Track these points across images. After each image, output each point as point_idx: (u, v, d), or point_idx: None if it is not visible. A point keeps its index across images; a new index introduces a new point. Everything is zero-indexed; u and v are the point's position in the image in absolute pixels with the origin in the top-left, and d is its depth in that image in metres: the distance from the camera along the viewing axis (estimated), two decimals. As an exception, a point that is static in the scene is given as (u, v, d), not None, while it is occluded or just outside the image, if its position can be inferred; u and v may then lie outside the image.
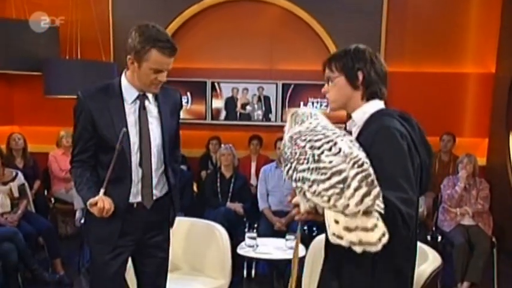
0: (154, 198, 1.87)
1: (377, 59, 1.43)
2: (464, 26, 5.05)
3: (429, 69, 5.08)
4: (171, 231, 2.02)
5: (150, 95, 1.85)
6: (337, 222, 1.06)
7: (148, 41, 1.69)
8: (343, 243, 1.05)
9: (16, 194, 3.62)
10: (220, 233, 2.72)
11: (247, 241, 2.91)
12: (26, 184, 3.79)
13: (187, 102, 5.32)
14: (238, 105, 5.30)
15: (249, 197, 4.10)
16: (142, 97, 1.82)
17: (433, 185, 4.42)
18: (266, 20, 5.21)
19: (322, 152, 1.11)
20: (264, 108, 5.27)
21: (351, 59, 1.41)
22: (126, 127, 1.77)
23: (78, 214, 4.49)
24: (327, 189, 1.06)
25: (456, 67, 5.10)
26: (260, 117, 5.30)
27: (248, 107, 5.29)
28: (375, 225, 1.06)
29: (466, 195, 3.69)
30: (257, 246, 2.92)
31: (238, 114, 5.31)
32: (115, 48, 5.08)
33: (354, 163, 1.09)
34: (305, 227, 3.79)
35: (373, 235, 1.05)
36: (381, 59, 1.44)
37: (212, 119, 5.33)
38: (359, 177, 1.06)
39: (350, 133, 1.42)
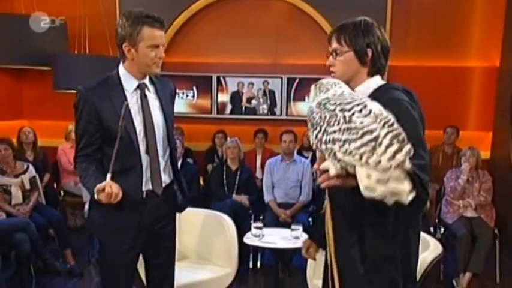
0: (163, 184, 1.91)
1: (382, 34, 1.45)
2: (469, 20, 5.06)
3: (434, 63, 5.11)
4: (177, 220, 2.06)
5: (149, 84, 1.90)
6: (369, 176, 1.07)
7: (137, 22, 1.75)
8: (376, 195, 1.06)
9: (27, 186, 3.70)
10: (227, 222, 2.79)
11: (254, 231, 2.97)
12: (37, 176, 3.88)
13: (193, 96, 5.38)
14: (244, 99, 5.35)
15: (254, 189, 4.16)
16: (142, 86, 1.87)
17: (436, 177, 4.48)
18: (271, 14, 5.25)
19: (353, 114, 1.13)
20: (269, 102, 5.32)
21: (361, 34, 1.42)
22: (130, 116, 1.80)
23: (87, 206, 4.57)
24: (358, 148, 1.08)
25: (461, 61, 5.12)
26: (265, 111, 5.35)
27: (253, 101, 5.35)
28: (406, 178, 1.07)
29: (468, 188, 3.72)
30: (263, 235, 2.98)
31: (243, 108, 5.37)
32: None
33: (385, 123, 1.11)
34: (309, 218, 3.86)
35: (405, 186, 1.06)
36: (384, 33, 1.46)
37: (218, 113, 5.38)
38: (390, 135, 1.08)
39: None
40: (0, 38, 4.48)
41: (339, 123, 1.12)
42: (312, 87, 1.31)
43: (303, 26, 5.16)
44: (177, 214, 2.07)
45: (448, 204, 3.79)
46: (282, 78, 5.25)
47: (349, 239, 1.38)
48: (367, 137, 1.08)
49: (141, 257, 2.02)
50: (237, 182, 4.08)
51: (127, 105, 1.73)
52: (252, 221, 3.16)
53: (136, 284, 2.22)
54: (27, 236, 3.20)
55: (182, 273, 2.17)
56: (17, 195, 3.61)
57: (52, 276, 3.52)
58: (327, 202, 1.41)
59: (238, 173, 4.12)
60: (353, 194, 1.16)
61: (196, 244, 2.88)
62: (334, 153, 1.12)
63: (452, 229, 3.66)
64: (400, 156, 1.05)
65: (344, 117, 1.13)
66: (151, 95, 1.90)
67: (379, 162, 1.05)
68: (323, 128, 1.15)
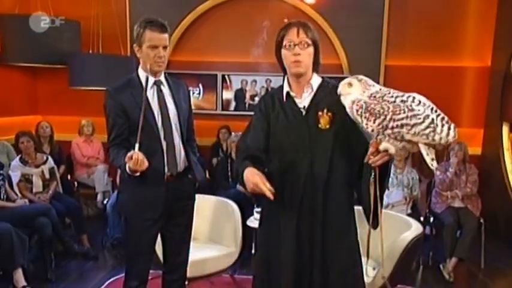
0: (178, 168, 2.17)
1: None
2: (463, 21, 5.26)
3: (429, 63, 5.31)
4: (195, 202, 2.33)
5: (164, 82, 2.18)
6: (427, 155, 1.45)
7: (141, 26, 2.07)
8: (433, 168, 1.49)
9: (47, 176, 3.98)
10: (232, 207, 3.08)
11: (256, 215, 3.24)
12: (55, 167, 4.15)
13: (199, 93, 5.63)
14: (247, 96, 5.59)
15: (256, 180, 4.42)
16: (158, 82, 2.16)
17: (428, 172, 4.74)
18: (274, 16, 5.38)
19: (411, 104, 1.44)
20: (271, 99, 5.55)
21: (315, 33, 1.72)
22: (150, 108, 2.09)
23: (99, 197, 4.87)
24: (424, 129, 1.40)
25: (454, 61, 5.32)
26: (268, 108, 5.58)
27: (256, 98, 5.58)
28: None
29: (456, 180, 3.96)
30: (264, 220, 3.24)
31: (247, 105, 5.61)
32: (132, 42, 5.39)
33: (431, 109, 1.43)
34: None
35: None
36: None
37: (222, 109, 5.61)
38: (439, 118, 1.41)
39: (288, 94, 1.79)
40: (17, 38, 4.71)
41: (404, 112, 1.41)
42: (355, 81, 1.56)
43: (304, 27, 5.38)
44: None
45: (437, 195, 4.04)
46: (283, 76, 5.48)
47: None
48: (427, 121, 1.40)
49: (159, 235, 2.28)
50: (241, 174, 4.35)
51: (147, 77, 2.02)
52: (254, 208, 3.42)
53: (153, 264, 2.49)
54: (49, 220, 3.46)
55: (193, 252, 2.42)
56: (37, 184, 3.89)
57: (70, 259, 3.80)
58: (375, 175, 1.62)
59: (242, 165, 4.38)
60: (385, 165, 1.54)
61: (205, 227, 3.16)
62: (402, 135, 1.43)
63: (440, 218, 3.92)
64: (451, 132, 1.42)
65: (407, 106, 1.42)
66: (166, 91, 2.19)
67: (441, 138, 1.41)
68: (389, 117, 1.43)
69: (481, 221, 3.91)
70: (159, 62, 2.08)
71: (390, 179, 3.98)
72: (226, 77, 5.57)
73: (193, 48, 5.55)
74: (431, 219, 4.04)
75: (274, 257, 1.80)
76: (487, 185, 4.91)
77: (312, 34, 1.71)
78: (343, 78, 1.61)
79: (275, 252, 1.79)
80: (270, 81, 5.55)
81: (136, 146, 1.94)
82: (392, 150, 1.47)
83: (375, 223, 1.67)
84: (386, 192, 3.97)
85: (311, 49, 1.71)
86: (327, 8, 5.25)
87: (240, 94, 5.61)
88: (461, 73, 5.36)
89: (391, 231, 2.56)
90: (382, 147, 1.48)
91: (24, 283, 3.10)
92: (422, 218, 3.97)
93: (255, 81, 5.57)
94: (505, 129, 4.88)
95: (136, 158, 1.90)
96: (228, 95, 5.61)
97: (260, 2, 5.45)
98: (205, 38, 5.51)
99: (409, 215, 3.64)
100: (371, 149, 1.53)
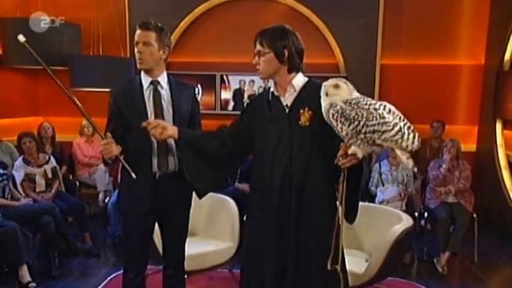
0: (169, 167, 2.23)
1: (297, 39, 1.84)
2: (457, 20, 5.35)
3: (424, 61, 5.39)
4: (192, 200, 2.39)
5: (165, 83, 2.25)
6: (403, 155, 1.56)
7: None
8: (410, 167, 1.61)
9: (50, 176, 4.07)
10: (230, 204, 3.17)
11: (253, 212, 3.33)
12: (57, 167, 4.25)
13: (198, 93, 5.71)
14: (245, 96, 5.67)
15: (255, 178, 4.51)
16: (155, 83, 2.24)
17: (424, 168, 4.82)
18: (271, 16, 5.48)
19: (382, 112, 1.55)
20: (268, 99, 5.64)
21: (279, 38, 1.80)
22: (145, 108, 2.18)
23: (101, 195, 4.96)
24: (393, 136, 1.51)
25: (449, 59, 5.40)
26: (265, 108, 5.67)
27: (254, 98, 5.68)
28: None
29: (449, 176, 4.04)
30: (261, 216, 3.33)
31: (245, 104, 5.70)
32: (131, 44, 5.48)
33: (399, 118, 1.54)
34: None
35: None
36: (299, 38, 1.86)
37: (221, 109, 5.69)
38: (406, 126, 1.53)
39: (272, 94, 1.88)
40: (18, 41, 4.81)
41: (376, 119, 1.51)
42: (342, 83, 1.63)
43: (301, 27, 5.24)
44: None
45: (431, 191, 4.12)
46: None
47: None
48: (396, 128, 1.51)
49: (158, 230, 2.39)
50: (239, 172, 4.45)
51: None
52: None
53: (152, 257, 2.59)
54: (53, 218, 3.55)
55: (192, 246, 2.51)
56: (40, 183, 3.98)
57: (73, 256, 3.89)
58: (343, 175, 1.70)
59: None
60: (358, 166, 1.63)
61: (204, 223, 3.26)
62: (374, 140, 1.54)
63: (434, 213, 4.00)
64: (416, 140, 1.54)
65: (379, 114, 1.52)
66: (164, 92, 2.26)
67: (407, 145, 1.53)
68: (362, 123, 1.52)
69: (474, 215, 3.99)
70: (138, 58, 2.16)
71: (385, 176, 4.12)
72: (224, 77, 5.65)
73: (192, 49, 5.63)
74: (426, 214, 4.11)
75: (257, 249, 1.89)
76: (482, 181, 5.01)
77: (268, 42, 1.80)
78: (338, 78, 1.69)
79: (257, 245, 1.88)
80: (268, 80, 5.61)
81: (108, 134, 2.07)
82: (359, 154, 1.58)
83: (350, 218, 1.81)
84: (382, 188, 4.09)
85: (269, 56, 1.81)
86: (323, 8, 5.32)
87: (238, 94, 5.69)
88: (456, 71, 5.44)
89: (383, 225, 2.65)
90: (350, 151, 1.59)
91: (29, 279, 3.19)
92: (416, 214, 4.06)
93: (253, 81, 5.65)
94: (499, 126, 4.96)
95: (104, 144, 2.03)
96: (226, 95, 5.69)
97: (257, 4, 5.52)
98: (204, 39, 5.59)
99: (404, 211, 3.72)
100: (340, 152, 1.63)
